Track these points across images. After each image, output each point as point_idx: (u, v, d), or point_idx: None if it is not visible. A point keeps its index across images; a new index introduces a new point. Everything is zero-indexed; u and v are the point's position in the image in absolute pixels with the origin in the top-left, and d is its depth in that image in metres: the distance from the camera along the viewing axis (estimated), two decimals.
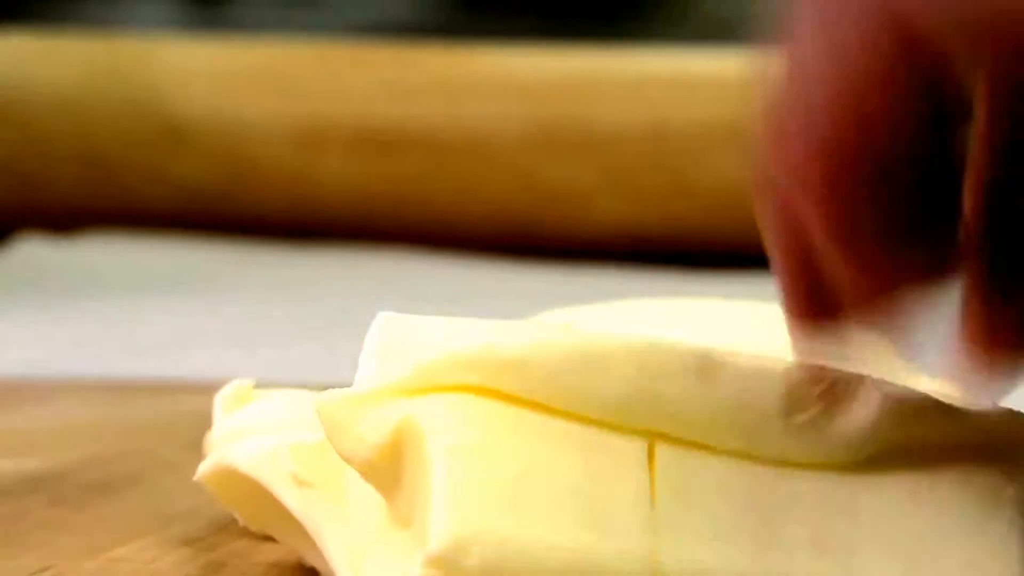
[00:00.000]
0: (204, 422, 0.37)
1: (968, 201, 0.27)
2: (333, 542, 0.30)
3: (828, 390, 0.28)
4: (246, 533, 0.36)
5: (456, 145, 1.11)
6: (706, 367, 0.28)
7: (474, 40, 1.17)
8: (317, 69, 1.15)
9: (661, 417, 0.27)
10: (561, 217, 1.10)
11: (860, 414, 0.28)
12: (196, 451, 0.38)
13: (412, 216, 1.12)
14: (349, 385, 0.29)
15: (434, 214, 1.12)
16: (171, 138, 1.15)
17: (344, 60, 1.15)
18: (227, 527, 0.37)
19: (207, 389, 0.38)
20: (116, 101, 1.16)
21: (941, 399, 0.29)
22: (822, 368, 0.28)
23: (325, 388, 0.29)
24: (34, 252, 1.08)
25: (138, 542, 0.36)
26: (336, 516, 0.30)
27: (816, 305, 0.28)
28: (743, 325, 0.40)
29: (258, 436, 0.33)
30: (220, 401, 0.36)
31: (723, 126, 1.05)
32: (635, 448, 0.27)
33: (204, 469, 0.34)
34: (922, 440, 0.28)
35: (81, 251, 1.09)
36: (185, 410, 0.52)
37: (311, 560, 0.33)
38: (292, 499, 0.32)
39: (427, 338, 0.29)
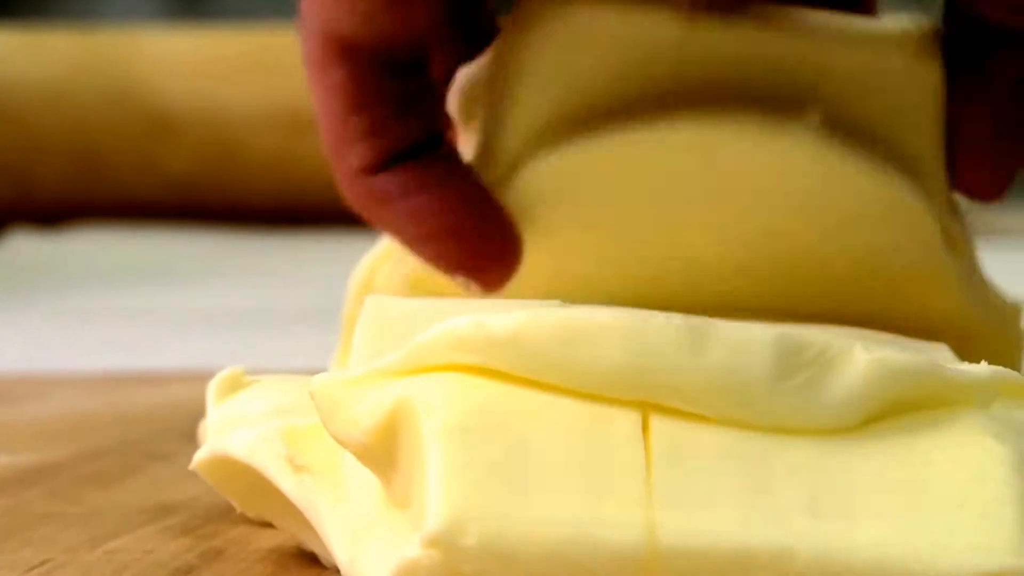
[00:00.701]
0: (198, 411, 0.37)
1: None
2: (331, 525, 0.30)
3: (818, 354, 0.28)
4: (244, 520, 0.36)
5: None
6: (696, 336, 0.28)
7: None
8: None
9: (654, 388, 0.27)
10: None
11: (850, 377, 0.28)
12: (191, 440, 0.38)
13: None
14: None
15: None
16: (158, 128, 1.15)
17: None
18: (225, 515, 0.37)
19: (199, 378, 0.38)
20: (102, 93, 1.15)
21: (930, 360, 0.29)
22: (811, 332, 0.28)
23: (318, 373, 0.29)
24: (25, 246, 1.08)
25: (136, 533, 0.35)
26: (333, 499, 0.30)
27: None
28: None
29: (252, 423, 0.33)
30: (213, 389, 0.36)
31: None
32: (629, 420, 0.27)
33: (199, 458, 0.34)
34: (913, 402, 0.28)
35: (71, 244, 1.09)
36: (178, 400, 0.52)
37: (310, 545, 0.33)
38: (288, 484, 0.32)
39: (418, 319, 0.29)
